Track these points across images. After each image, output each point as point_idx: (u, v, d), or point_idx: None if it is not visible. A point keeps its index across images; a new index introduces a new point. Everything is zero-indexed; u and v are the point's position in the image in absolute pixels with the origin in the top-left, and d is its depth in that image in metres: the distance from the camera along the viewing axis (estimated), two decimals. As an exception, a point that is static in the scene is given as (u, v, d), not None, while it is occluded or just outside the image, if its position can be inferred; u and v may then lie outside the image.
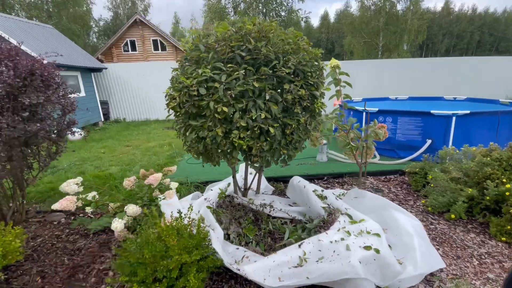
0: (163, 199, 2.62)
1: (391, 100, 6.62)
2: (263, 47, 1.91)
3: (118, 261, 1.67)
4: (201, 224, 1.84)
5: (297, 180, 2.90)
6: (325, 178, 3.81)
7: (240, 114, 1.83)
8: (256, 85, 1.83)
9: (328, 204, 2.41)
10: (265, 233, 2.36)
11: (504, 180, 2.48)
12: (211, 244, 1.83)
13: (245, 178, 2.73)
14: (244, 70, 1.87)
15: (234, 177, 2.73)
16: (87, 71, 9.32)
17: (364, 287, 1.70)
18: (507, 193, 2.38)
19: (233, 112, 1.82)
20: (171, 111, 2.09)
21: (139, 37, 19.77)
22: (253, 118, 1.84)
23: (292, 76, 2.05)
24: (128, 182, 2.77)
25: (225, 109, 1.76)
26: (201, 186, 3.56)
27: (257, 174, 2.78)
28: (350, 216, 2.24)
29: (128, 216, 2.37)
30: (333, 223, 2.21)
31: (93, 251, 2.34)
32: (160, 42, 20.60)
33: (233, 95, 1.78)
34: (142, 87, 10.23)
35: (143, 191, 2.78)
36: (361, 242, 1.89)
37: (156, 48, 20.69)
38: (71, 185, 2.53)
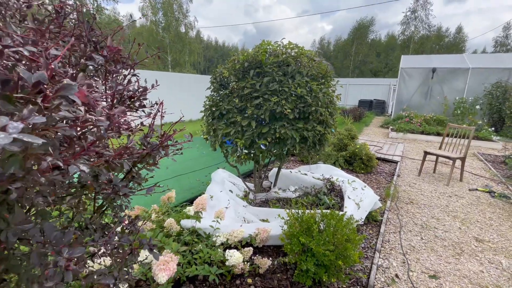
0: (216, 220, 2.38)
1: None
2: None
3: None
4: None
5: (283, 171, 3.67)
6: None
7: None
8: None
9: (321, 175, 3.53)
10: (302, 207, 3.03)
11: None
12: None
13: (276, 177, 3.10)
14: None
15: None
16: None
17: (378, 204, 3.11)
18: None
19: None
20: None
21: None
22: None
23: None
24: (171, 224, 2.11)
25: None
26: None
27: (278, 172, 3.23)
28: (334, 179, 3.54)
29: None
30: (334, 184, 3.40)
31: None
32: None
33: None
34: None
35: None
36: (362, 186, 3.29)
37: None
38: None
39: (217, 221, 2.30)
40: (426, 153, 4.72)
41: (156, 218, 2.48)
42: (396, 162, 5.51)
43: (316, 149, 2.50)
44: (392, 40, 35.95)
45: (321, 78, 2.57)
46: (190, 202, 3.36)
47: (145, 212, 2.47)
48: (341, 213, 2.42)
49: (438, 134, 8.42)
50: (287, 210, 2.48)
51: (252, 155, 2.39)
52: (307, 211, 2.29)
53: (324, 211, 2.24)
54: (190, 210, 2.51)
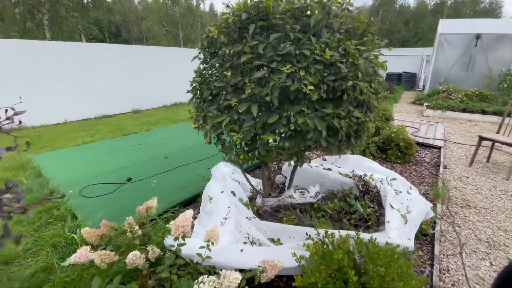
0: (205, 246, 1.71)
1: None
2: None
3: None
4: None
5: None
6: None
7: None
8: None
9: (351, 171, 2.74)
10: (327, 218, 2.30)
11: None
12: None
13: (291, 177, 2.37)
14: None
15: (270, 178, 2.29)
16: None
17: (430, 213, 2.31)
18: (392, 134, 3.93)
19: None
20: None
21: None
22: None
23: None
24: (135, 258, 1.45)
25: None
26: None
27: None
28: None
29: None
30: (369, 185, 2.62)
31: None
32: None
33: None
34: None
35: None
36: (406, 187, 2.48)
37: None
38: None
39: (207, 246, 1.64)
40: (481, 138, 3.74)
41: (131, 233, 1.86)
42: (438, 148, 4.56)
43: (351, 144, 1.71)
44: (423, 6, 32.27)
45: (359, 37, 1.70)
46: (186, 204, 2.73)
47: (114, 229, 1.85)
48: (388, 239, 1.68)
49: (483, 112, 7.18)
50: (306, 228, 1.77)
51: (255, 153, 1.65)
52: (336, 234, 1.57)
53: (361, 240, 1.50)
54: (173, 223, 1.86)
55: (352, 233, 1.67)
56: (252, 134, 1.49)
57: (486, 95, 8.39)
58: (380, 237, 1.84)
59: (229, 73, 1.44)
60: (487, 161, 4.06)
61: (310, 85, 1.29)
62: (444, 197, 2.92)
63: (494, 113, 6.88)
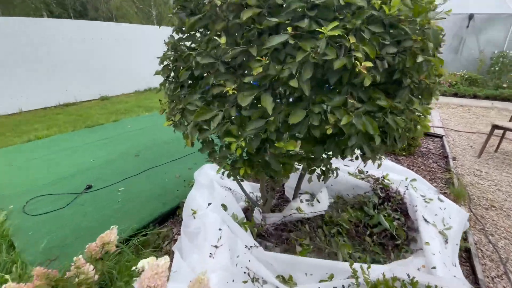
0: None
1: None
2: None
3: None
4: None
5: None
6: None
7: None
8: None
9: (366, 172, 2.28)
10: (344, 234, 1.83)
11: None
12: None
13: (297, 186, 1.84)
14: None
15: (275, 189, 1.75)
16: None
17: (467, 225, 1.91)
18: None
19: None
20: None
21: None
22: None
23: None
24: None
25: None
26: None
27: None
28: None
29: None
30: (389, 189, 2.17)
31: None
32: None
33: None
34: None
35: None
36: (432, 191, 2.06)
37: None
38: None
39: (194, 304, 1.10)
40: (495, 127, 3.42)
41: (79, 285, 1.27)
42: (439, 137, 4.24)
43: (395, 146, 1.21)
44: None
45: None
46: (161, 221, 2.15)
47: (54, 281, 1.25)
48: (433, 272, 1.23)
49: (475, 97, 7.03)
50: (328, 262, 1.28)
51: (261, 166, 1.09)
52: (377, 273, 1.09)
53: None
54: (145, 264, 1.28)
55: (400, 272, 1.19)
56: (260, 140, 0.94)
57: (475, 78, 8.26)
58: (418, 263, 1.40)
59: (222, 40, 0.84)
60: (495, 151, 3.77)
61: (365, 62, 0.74)
62: (464, 197, 2.55)
63: (487, 98, 6.73)
